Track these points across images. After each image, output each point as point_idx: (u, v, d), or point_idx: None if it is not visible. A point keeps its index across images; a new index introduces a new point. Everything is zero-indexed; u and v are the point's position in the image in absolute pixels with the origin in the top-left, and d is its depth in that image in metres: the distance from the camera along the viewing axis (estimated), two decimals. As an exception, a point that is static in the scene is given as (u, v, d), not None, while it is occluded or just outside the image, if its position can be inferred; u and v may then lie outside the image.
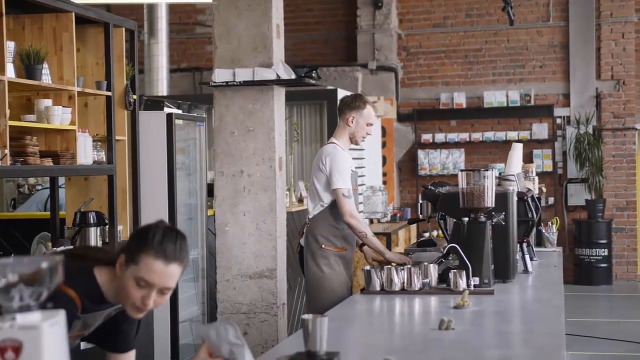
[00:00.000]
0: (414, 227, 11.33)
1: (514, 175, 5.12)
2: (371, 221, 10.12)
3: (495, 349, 3.08)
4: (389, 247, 8.91)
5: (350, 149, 9.42)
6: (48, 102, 4.99)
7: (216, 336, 2.48)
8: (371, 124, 5.31)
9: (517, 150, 5.54)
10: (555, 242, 6.41)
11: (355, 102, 5.27)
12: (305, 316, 2.74)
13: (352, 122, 5.24)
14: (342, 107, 5.31)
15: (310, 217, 5.27)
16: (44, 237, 5.71)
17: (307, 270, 5.23)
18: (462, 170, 4.44)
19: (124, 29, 5.85)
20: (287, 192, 8.42)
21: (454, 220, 4.53)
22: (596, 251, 12.15)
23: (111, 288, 2.65)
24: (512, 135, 12.50)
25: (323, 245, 5.17)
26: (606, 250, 12.17)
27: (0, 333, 1.71)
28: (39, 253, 5.48)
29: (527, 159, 12.29)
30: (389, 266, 4.31)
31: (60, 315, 1.79)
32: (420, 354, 2.94)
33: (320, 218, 5.21)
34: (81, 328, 2.71)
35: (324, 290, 5.15)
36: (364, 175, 10.41)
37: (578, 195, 12.51)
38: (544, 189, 10.14)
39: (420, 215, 5.12)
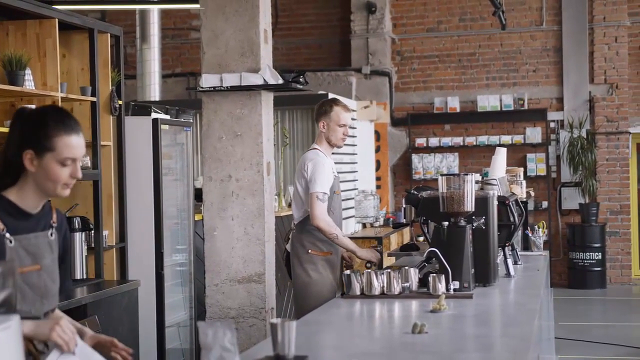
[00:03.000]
0: (407, 231, 11.35)
1: (495, 179, 5.12)
2: (364, 225, 10.14)
3: (464, 352, 3.09)
4: (380, 251, 8.92)
5: (341, 153, 9.46)
6: (31, 107, 5.01)
7: (212, 336, 2.50)
8: (344, 125, 5.38)
9: (501, 155, 5.56)
10: (542, 246, 6.41)
11: (322, 107, 5.40)
12: (274, 320, 2.76)
13: (324, 127, 5.36)
14: (315, 114, 5.46)
15: (295, 222, 5.35)
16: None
17: (295, 275, 5.31)
18: (442, 175, 4.45)
19: (109, 34, 5.87)
20: (277, 197, 8.45)
21: (435, 224, 4.54)
22: (590, 255, 12.15)
23: (27, 196, 2.71)
24: (506, 139, 12.52)
25: (310, 250, 5.25)
26: (600, 254, 12.18)
27: (-49, 337, 1.72)
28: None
29: (521, 163, 12.32)
30: (369, 270, 4.33)
31: (14, 321, 1.81)
32: (390, 358, 2.96)
33: (305, 223, 5.28)
34: (32, 259, 2.69)
35: (312, 295, 5.19)
36: (356, 180, 10.44)
37: (572, 199, 12.52)
38: (532, 193, 10.14)
39: (404, 220, 5.14)
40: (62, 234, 2.87)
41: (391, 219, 11.06)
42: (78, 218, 5.44)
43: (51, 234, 2.80)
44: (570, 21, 12.57)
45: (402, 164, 13.06)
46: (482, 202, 4.52)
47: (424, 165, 12.88)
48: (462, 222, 4.39)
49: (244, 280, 5.68)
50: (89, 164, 5.57)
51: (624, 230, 12.55)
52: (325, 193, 5.18)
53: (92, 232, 5.58)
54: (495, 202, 4.66)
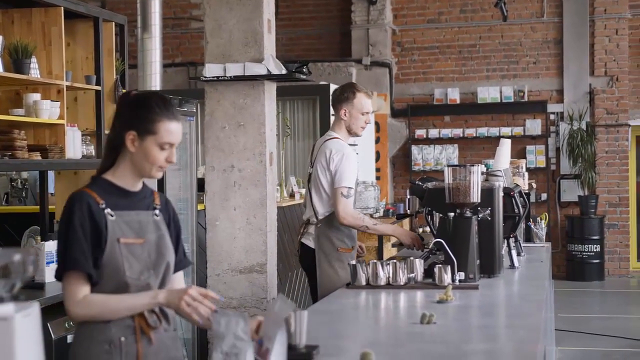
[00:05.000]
0: (407, 222, 11.36)
1: (501, 170, 5.13)
2: (364, 216, 10.14)
3: (473, 342, 3.10)
4: (380, 242, 8.90)
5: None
6: (37, 96, 5.00)
7: (225, 326, 2.51)
8: (366, 112, 5.16)
9: (505, 146, 5.56)
10: (544, 237, 6.41)
11: (344, 93, 5.16)
12: (285, 310, 2.76)
13: (345, 114, 5.14)
14: (333, 101, 5.23)
15: (319, 217, 5.10)
16: (34, 230, 5.72)
17: (321, 272, 5.07)
18: (448, 166, 4.45)
19: (113, 23, 5.86)
20: (278, 187, 8.44)
21: (440, 215, 4.54)
22: (588, 247, 12.18)
23: (123, 176, 2.85)
24: (506, 131, 12.52)
25: (339, 248, 5.05)
26: (598, 246, 12.20)
27: (-27, 324, 1.72)
28: (29, 247, 5.49)
29: (521, 154, 12.32)
30: (375, 261, 4.33)
31: (34, 308, 1.81)
32: (400, 348, 2.97)
33: (333, 219, 5.05)
34: (136, 234, 2.83)
35: None
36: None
37: (571, 191, 12.54)
38: (534, 185, 10.15)
39: (408, 211, 5.12)
40: (168, 215, 2.99)
41: (391, 210, 11.07)
42: (82, 207, 5.42)
43: (156, 215, 2.92)
44: (571, 13, 12.57)
45: (402, 155, 13.06)
46: (487, 193, 4.52)
47: (423, 157, 12.88)
48: (468, 213, 4.40)
49: (245, 270, 5.68)
50: (93, 153, 5.56)
51: (622, 222, 12.58)
52: (350, 188, 4.95)
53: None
54: (501, 194, 4.66)
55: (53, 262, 4.88)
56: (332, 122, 6.55)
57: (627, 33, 12.53)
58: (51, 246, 5.11)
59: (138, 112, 2.83)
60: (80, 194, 2.82)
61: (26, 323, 1.77)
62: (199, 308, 2.70)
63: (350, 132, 5.20)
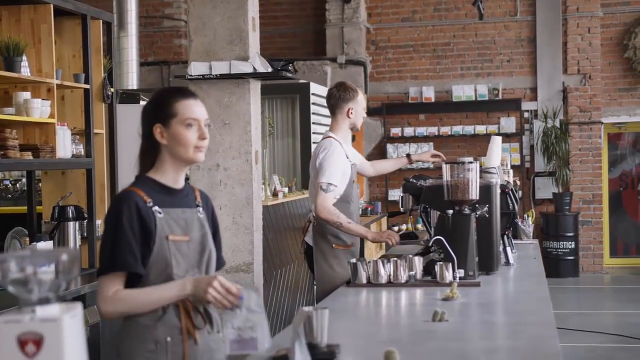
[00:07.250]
0: (384, 220, 11.39)
1: (495, 167, 5.15)
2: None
3: (489, 339, 3.10)
4: (362, 240, 8.88)
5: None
6: (27, 94, 4.92)
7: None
8: (364, 108, 5.25)
9: (497, 143, 5.58)
10: (532, 234, 6.45)
11: (349, 92, 5.15)
12: (307, 308, 2.74)
13: (351, 113, 5.14)
14: (336, 101, 5.16)
15: (314, 215, 5.07)
16: (18, 232, 5.63)
17: (319, 270, 5.07)
18: (446, 163, 4.45)
19: (101, 21, 5.78)
20: (262, 186, 8.41)
21: (438, 212, 4.54)
22: (563, 244, 12.27)
23: (165, 172, 2.84)
24: (481, 129, 12.59)
25: (334, 245, 5.05)
26: (573, 242, 12.30)
27: (21, 326, 1.69)
28: (13, 249, 5.41)
29: (496, 152, 12.37)
30: (375, 259, 4.32)
31: (78, 308, 1.78)
32: (418, 345, 2.95)
33: None
34: (183, 231, 2.82)
35: (337, 288, 5.03)
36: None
37: (545, 189, 12.63)
38: (518, 182, 10.22)
39: (402, 208, 5.11)
40: (209, 212, 2.97)
41: (369, 208, 11.09)
42: (72, 207, 5.36)
43: (199, 212, 2.91)
44: (544, 11, 12.66)
45: (377, 154, 13.05)
46: (485, 190, 4.53)
47: (398, 155, 12.89)
48: (467, 210, 4.40)
49: (232, 270, 5.66)
50: (83, 153, 5.49)
51: (596, 219, 12.69)
52: (330, 184, 4.94)
53: (86, 221, 5.50)
54: (498, 190, 4.68)
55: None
56: (311, 121, 6.52)
57: (599, 31, 12.64)
58: (43, 247, 5.04)
59: (155, 106, 2.86)
60: (128, 193, 2.80)
61: (73, 324, 1.74)
62: (223, 302, 2.68)
63: (353, 129, 5.22)
